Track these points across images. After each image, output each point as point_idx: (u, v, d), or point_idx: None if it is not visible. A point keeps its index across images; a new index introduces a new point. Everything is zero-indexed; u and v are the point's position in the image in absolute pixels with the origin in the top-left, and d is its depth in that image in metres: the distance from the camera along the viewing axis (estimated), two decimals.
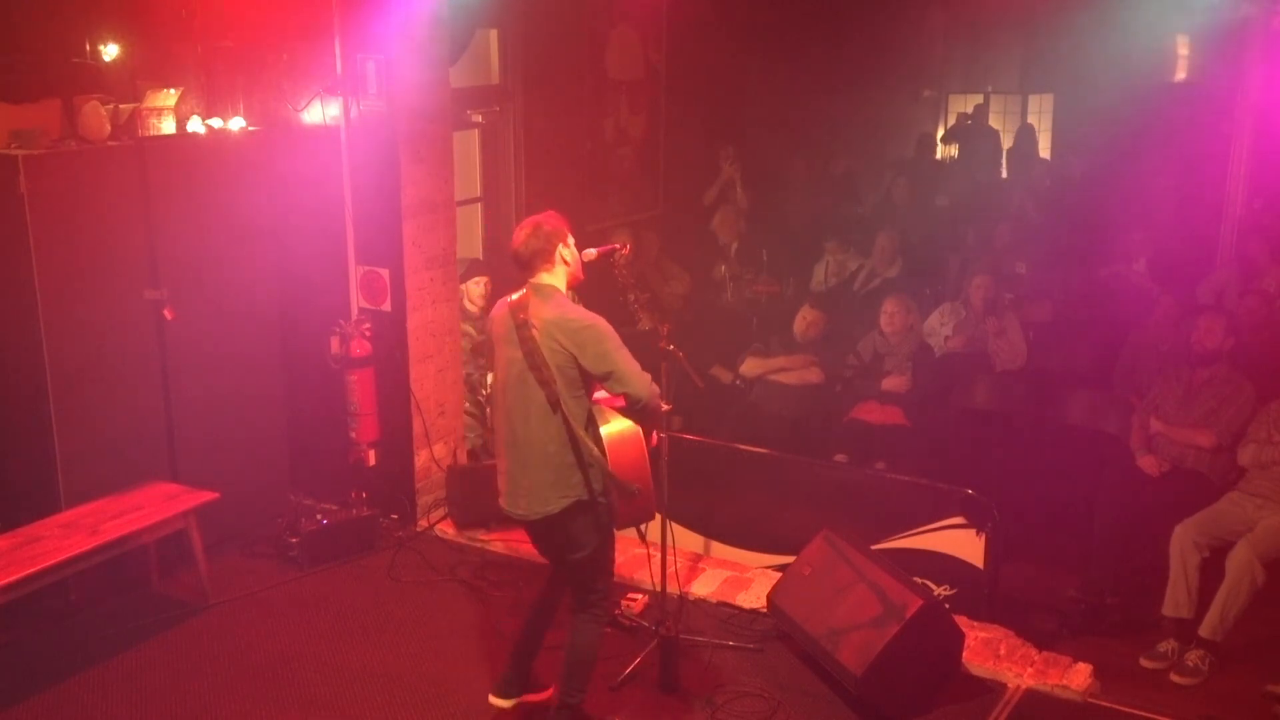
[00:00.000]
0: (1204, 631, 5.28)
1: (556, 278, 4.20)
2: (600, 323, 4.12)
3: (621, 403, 4.18)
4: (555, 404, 4.06)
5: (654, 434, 4.74)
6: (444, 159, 6.35)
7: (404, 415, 6.35)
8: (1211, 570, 5.42)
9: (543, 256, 4.17)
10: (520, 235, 4.19)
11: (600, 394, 4.26)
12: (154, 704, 4.81)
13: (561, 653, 4.41)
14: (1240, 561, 5.24)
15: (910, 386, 7.16)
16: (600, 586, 4.37)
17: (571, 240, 4.25)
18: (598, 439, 4.13)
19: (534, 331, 4.08)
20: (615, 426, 4.17)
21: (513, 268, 4.28)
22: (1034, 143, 12.95)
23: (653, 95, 9.53)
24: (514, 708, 4.61)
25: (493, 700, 4.61)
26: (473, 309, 6.93)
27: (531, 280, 4.19)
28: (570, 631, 4.37)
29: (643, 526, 4.57)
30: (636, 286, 4.68)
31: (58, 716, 4.74)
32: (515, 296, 4.23)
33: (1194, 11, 9.79)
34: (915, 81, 13.50)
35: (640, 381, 4.09)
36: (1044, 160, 12.76)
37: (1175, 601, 5.44)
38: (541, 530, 4.27)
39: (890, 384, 7.19)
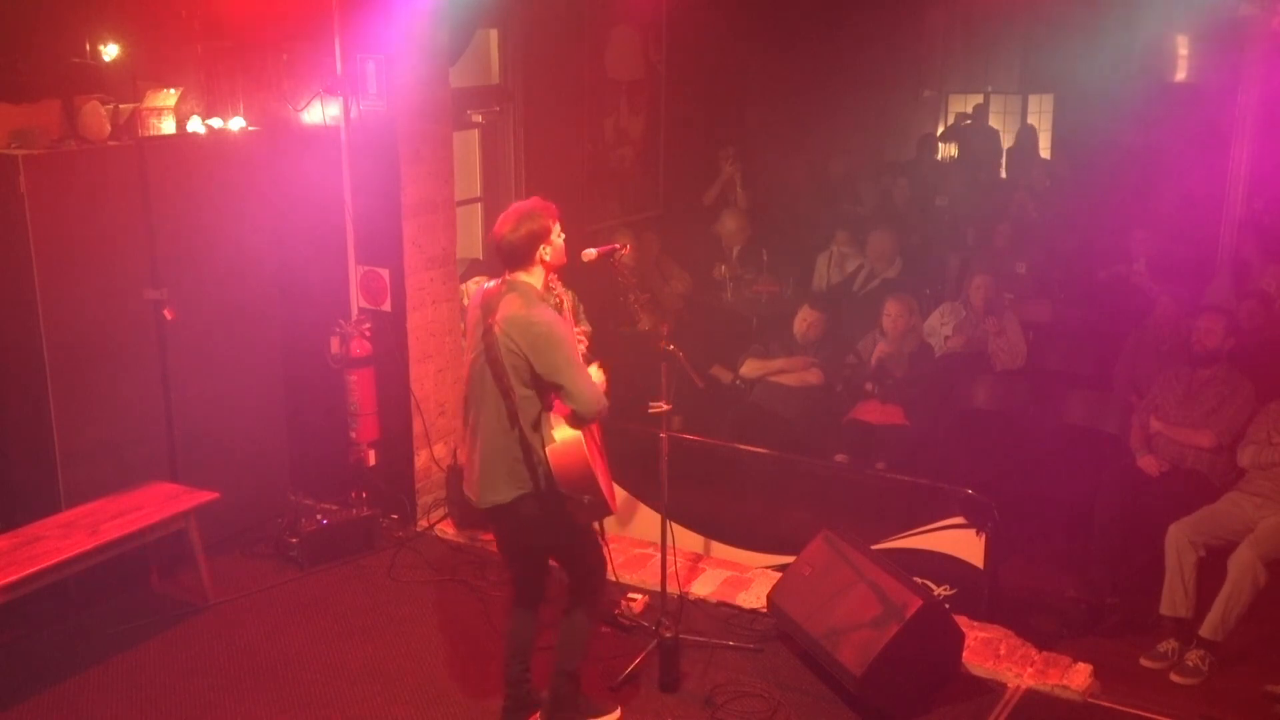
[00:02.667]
0: (1205, 632, 5.28)
1: (534, 276, 4.17)
2: (557, 330, 4.06)
3: (568, 411, 4.11)
4: (509, 401, 4.07)
5: (660, 435, 4.75)
6: (444, 159, 6.35)
7: (404, 415, 6.35)
8: (1209, 570, 5.42)
9: (524, 257, 4.13)
10: (505, 227, 4.12)
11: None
12: (154, 704, 4.81)
13: (551, 652, 4.42)
14: (1243, 562, 5.24)
15: (905, 377, 7.16)
16: (591, 581, 4.36)
17: (557, 229, 4.18)
18: (541, 442, 4.07)
19: (495, 329, 4.06)
20: (562, 433, 4.06)
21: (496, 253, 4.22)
22: (1035, 143, 12.94)
23: (653, 95, 9.52)
24: None
25: None
26: None
27: (509, 276, 4.16)
28: (566, 601, 4.37)
29: (598, 524, 4.52)
30: (636, 286, 4.68)
31: (58, 716, 4.74)
32: (491, 285, 4.22)
33: (1194, 11, 9.79)
34: (915, 81, 13.49)
35: (587, 398, 4.02)
36: (1044, 160, 12.75)
37: (1172, 601, 5.44)
38: (495, 519, 4.28)
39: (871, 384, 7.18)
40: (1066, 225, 9.63)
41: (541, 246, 4.14)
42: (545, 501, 4.14)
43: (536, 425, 4.08)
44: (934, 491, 5.69)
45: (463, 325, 6.67)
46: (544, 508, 4.16)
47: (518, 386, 4.06)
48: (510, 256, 4.14)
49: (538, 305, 4.11)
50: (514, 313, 4.05)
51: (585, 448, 4.06)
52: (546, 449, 4.05)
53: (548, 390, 4.09)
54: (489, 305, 4.13)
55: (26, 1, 5.46)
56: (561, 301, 5.53)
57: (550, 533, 4.24)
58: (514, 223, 4.12)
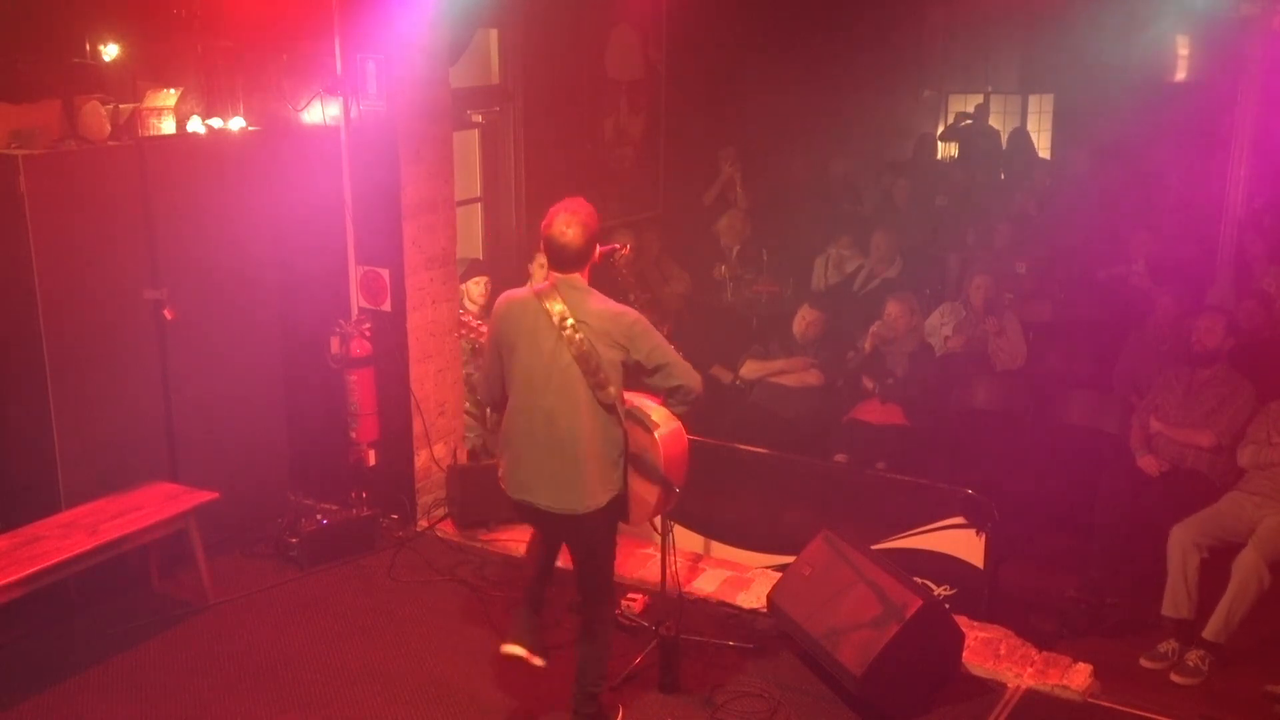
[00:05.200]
0: (1208, 634, 5.27)
1: (584, 275, 4.19)
2: (643, 317, 4.16)
3: (659, 398, 4.20)
4: (607, 400, 4.05)
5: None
6: (444, 159, 6.35)
7: (404, 415, 6.35)
8: (1209, 570, 5.42)
9: (584, 259, 4.14)
10: (569, 231, 4.07)
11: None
12: (154, 704, 4.81)
13: (569, 651, 4.44)
14: (1247, 565, 5.24)
15: (905, 377, 7.16)
16: (613, 578, 4.43)
17: None
18: (643, 429, 4.15)
19: (583, 328, 4.03)
20: (666, 425, 4.17)
21: (549, 253, 4.16)
22: (1030, 146, 12.94)
23: (653, 95, 9.53)
24: (517, 662, 4.41)
25: (505, 648, 4.41)
26: (473, 309, 6.92)
27: (563, 276, 4.13)
28: (584, 625, 4.38)
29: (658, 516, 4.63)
30: (637, 286, 4.69)
31: (58, 716, 4.74)
32: (534, 288, 4.17)
33: (1194, 11, 9.78)
34: (915, 81, 13.48)
35: (691, 372, 4.13)
36: (1044, 160, 12.76)
37: (1174, 602, 5.44)
38: (577, 525, 4.20)
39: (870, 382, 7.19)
40: (1067, 225, 9.63)
41: (596, 248, 4.19)
42: (618, 502, 4.20)
43: (630, 418, 4.14)
44: (934, 491, 5.70)
45: (464, 326, 6.68)
46: (616, 509, 4.22)
47: (615, 381, 4.06)
48: (573, 259, 4.11)
49: (610, 300, 4.17)
50: (599, 310, 4.07)
51: (685, 433, 4.19)
52: (656, 435, 4.10)
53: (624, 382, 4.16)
54: (550, 308, 4.06)
55: (26, 1, 5.46)
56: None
57: (602, 537, 4.27)
58: (577, 226, 4.09)
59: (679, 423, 4.24)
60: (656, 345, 4.09)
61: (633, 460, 4.15)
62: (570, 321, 4.03)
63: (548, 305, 4.08)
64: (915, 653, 4.61)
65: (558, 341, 4.05)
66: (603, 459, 4.11)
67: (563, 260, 4.12)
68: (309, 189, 6.26)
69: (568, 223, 4.10)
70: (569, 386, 4.05)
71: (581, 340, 4.02)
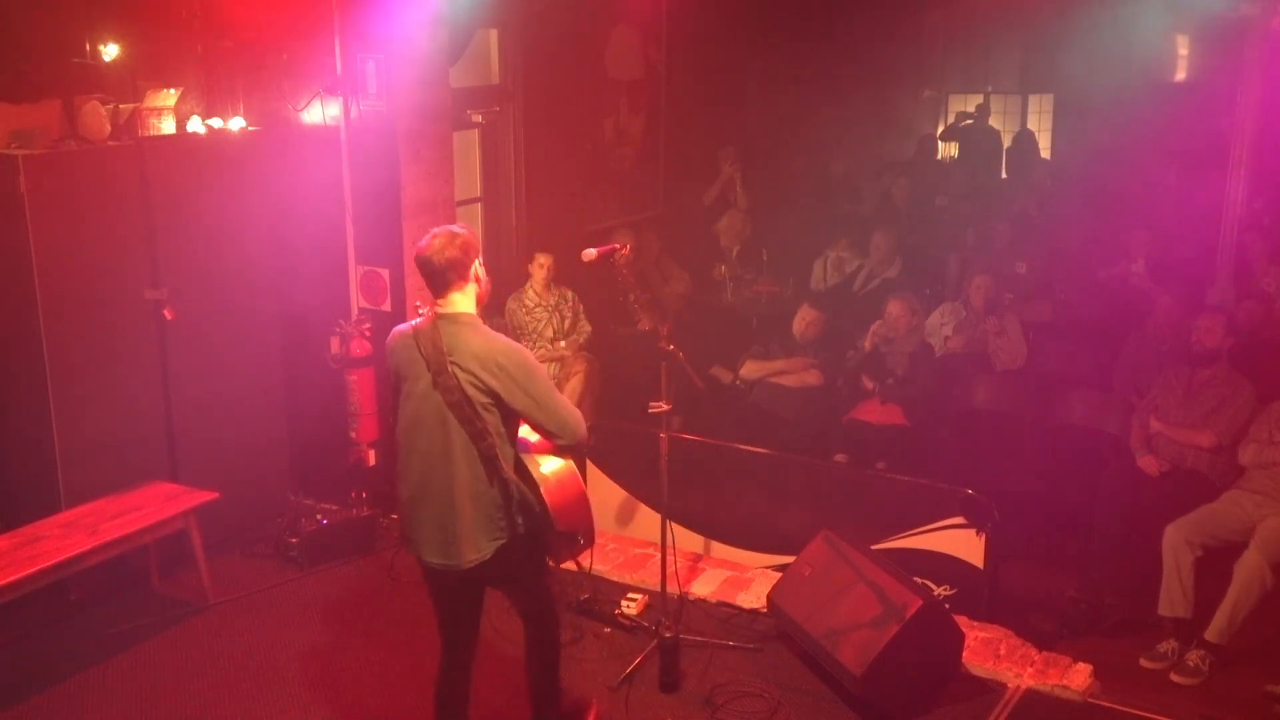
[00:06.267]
0: (1211, 636, 5.26)
1: (468, 298, 3.84)
2: (528, 357, 3.80)
3: (549, 444, 3.90)
4: (488, 451, 3.72)
5: (660, 435, 4.75)
6: (444, 159, 6.35)
7: None
8: (1207, 569, 5.42)
9: (459, 270, 3.77)
10: (435, 242, 3.78)
11: (524, 434, 3.96)
12: (154, 704, 4.82)
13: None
14: (1250, 567, 5.23)
15: (905, 377, 7.16)
16: (550, 597, 4.17)
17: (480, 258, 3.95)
18: (530, 482, 3.84)
19: (455, 369, 3.70)
20: (551, 468, 3.87)
21: (423, 276, 3.88)
22: (1034, 147, 12.94)
23: (653, 95, 9.53)
24: None
25: None
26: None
27: (440, 306, 3.82)
28: (530, 642, 4.21)
29: (582, 556, 4.33)
30: (637, 286, 4.67)
31: (58, 716, 4.75)
32: (415, 323, 3.87)
33: (1194, 11, 9.80)
34: (915, 81, 13.49)
35: (571, 425, 3.77)
36: (1045, 160, 12.76)
37: (1170, 601, 5.44)
38: (469, 579, 3.92)
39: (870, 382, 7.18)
40: (1067, 225, 9.63)
41: (475, 262, 3.83)
42: (519, 544, 3.88)
43: (515, 465, 3.81)
44: (934, 491, 5.69)
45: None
46: (520, 551, 3.89)
47: (494, 426, 3.73)
48: (445, 272, 3.77)
49: (494, 335, 3.81)
50: (475, 349, 3.72)
51: (577, 473, 3.93)
52: (542, 489, 3.81)
53: (517, 426, 3.83)
54: (430, 344, 3.75)
55: (27, 1, 5.47)
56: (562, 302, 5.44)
57: (521, 575, 4.01)
58: (446, 236, 3.81)
59: (570, 470, 3.93)
60: (538, 392, 3.72)
61: (529, 511, 3.84)
62: (443, 367, 3.70)
63: (424, 344, 3.76)
64: (915, 653, 4.61)
65: (428, 384, 3.74)
66: (485, 504, 3.77)
67: (433, 276, 3.80)
68: (309, 189, 6.27)
69: (437, 235, 3.82)
70: (444, 432, 3.74)
71: (453, 384, 3.69)
